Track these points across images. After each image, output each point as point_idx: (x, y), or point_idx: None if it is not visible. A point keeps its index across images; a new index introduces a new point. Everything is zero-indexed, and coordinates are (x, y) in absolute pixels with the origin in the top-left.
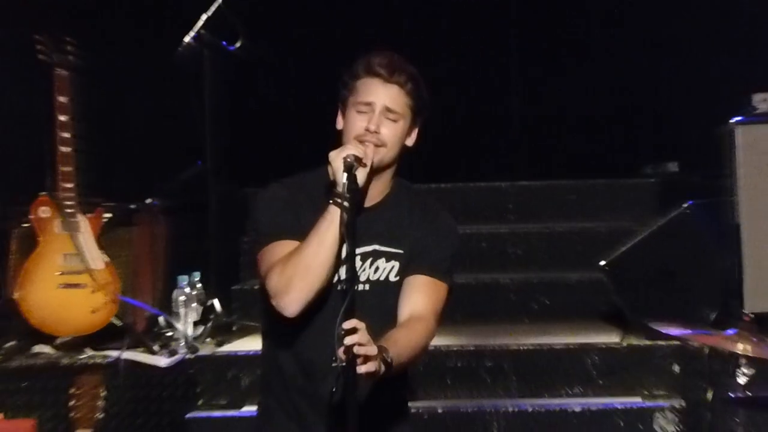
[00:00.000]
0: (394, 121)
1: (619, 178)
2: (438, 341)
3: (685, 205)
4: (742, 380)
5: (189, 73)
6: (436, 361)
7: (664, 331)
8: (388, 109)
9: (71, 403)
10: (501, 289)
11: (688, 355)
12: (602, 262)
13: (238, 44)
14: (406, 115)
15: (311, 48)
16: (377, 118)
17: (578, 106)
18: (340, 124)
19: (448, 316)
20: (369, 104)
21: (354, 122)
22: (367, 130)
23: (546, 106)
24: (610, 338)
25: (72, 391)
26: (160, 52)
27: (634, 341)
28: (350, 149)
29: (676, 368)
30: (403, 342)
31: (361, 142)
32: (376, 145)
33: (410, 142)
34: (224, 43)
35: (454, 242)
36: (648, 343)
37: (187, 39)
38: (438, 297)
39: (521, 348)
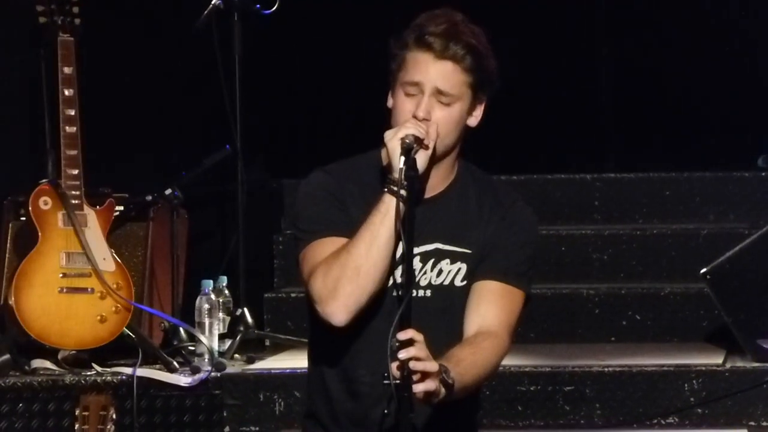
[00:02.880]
0: (448, 105)
1: (726, 171)
2: (508, 361)
3: None
4: None
5: (216, 42)
6: (505, 384)
7: None
8: (439, 92)
9: (76, 427)
10: (583, 301)
11: None
12: (704, 270)
13: (275, 8)
14: (463, 95)
15: (365, 8)
16: (427, 103)
17: (678, 83)
18: (390, 102)
19: (520, 333)
20: (417, 84)
21: (401, 106)
22: (415, 117)
23: (640, 82)
24: (712, 360)
25: (77, 413)
26: (182, 16)
27: (741, 363)
28: (409, 128)
29: None
30: (468, 361)
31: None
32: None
33: (473, 122)
34: (258, 6)
35: (534, 240)
36: (757, 365)
37: (214, 1)
38: (512, 308)
39: (606, 370)
